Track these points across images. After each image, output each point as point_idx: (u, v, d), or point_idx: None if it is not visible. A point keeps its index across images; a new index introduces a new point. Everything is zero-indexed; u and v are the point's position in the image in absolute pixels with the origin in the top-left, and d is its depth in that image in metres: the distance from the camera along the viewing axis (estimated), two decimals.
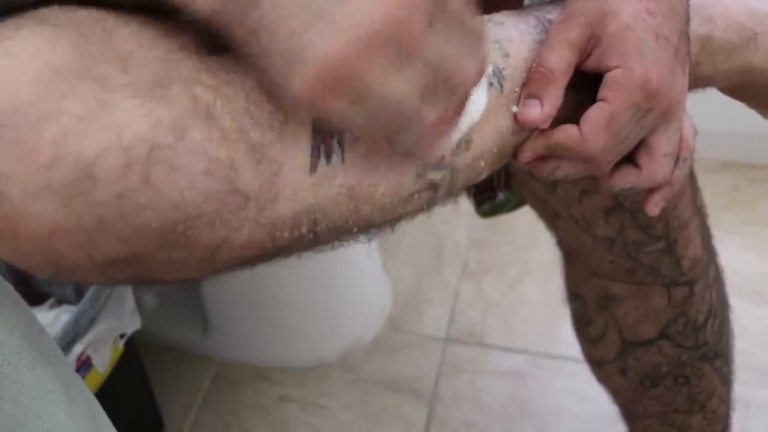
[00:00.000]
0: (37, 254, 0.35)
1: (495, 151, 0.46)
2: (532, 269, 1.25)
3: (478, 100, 0.44)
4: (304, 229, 0.40)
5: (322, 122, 0.38)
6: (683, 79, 0.47)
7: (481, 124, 0.45)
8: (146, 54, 0.36)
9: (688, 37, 0.48)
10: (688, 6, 0.49)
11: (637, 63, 0.45)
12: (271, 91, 0.38)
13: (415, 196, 0.43)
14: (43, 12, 0.36)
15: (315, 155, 0.39)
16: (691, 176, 0.68)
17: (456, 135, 0.43)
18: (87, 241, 0.35)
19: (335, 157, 0.40)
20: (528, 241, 1.25)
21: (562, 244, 0.74)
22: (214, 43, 0.37)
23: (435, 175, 0.44)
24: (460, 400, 1.09)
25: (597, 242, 0.68)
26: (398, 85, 0.36)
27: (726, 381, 0.79)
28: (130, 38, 0.37)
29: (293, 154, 0.39)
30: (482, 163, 0.46)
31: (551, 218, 0.71)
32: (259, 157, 0.38)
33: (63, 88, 0.34)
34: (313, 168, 0.39)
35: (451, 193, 0.46)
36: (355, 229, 0.43)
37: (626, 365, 0.76)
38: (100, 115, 0.34)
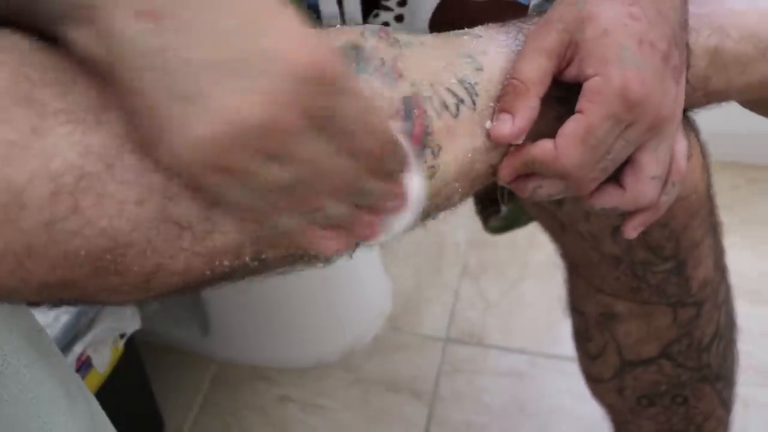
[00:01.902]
0: None
1: (467, 172, 0.44)
2: (531, 269, 1.25)
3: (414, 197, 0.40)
4: (247, 258, 0.39)
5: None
6: (676, 90, 0.44)
7: (451, 145, 0.42)
8: (89, 78, 0.36)
9: (684, 46, 0.45)
10: (684, 13, 0.45)
11: (616, 70, 0.41)
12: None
13: None
14: None
15: None
16: (708, 196, 0.63)
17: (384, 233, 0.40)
18: (18, 266, 0.35)
19: None
20: (527, 242, 1.24)
21: (567, 257, 0.71)
22: None
23: None
24: (460, 400, 1.09)
25: (603, 259, 0.65)
26: (268, 175, 0.34)
27: (725, 404, 0.76)
28: (76, 61, 0.36)
29: (227, 192, 0.37)
30: (453, 186, 0.44)
31: (557, 231, 0.68)
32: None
33: None
34: None
35: (421, 219, 0.43)
36: (306, 258, 0.41)
37: (624, 385, 0.74)
38: (31, 141, 0.34)
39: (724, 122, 0.98)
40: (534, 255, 1.26)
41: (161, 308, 1.14)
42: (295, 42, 0.33)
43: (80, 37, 0.34)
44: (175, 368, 1.15)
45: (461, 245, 1.30)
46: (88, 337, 0.81)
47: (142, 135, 0.35)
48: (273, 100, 0.33)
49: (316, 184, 0.35)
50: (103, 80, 0.35)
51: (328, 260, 0.43)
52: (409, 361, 1.15)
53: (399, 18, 0.57)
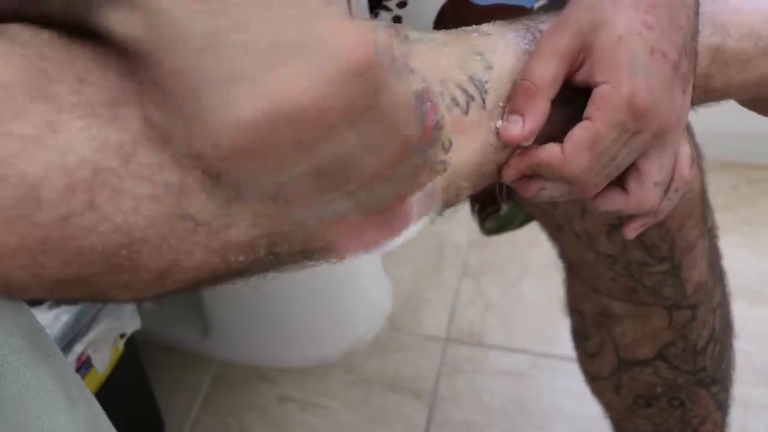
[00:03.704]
0: None
1: (475, 168, 0.44)
2: (531, 269, 1.25)
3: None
4: (262, 252, 0.39)
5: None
6: (683, 100, 0.44)
7: (460, 141, 0.43)
8: (106, 72, 0.36)
9: (693, 55, 0.45)
10: (695, 21, 0.46)
11: (626, 78, 0.42)
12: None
13: None
14: (3, 28, 0.36)
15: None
16: (702, 196, 0.64)
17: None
18: (32, 261, 0.34)
19: None
20: (528, 241, 1.24)
21: (564, 257, 0.72)
22: None
23: None
24: (460, 400, 1.09)
25: (599, 258, 0.65)
26: (298, 164, 0.34)
27: (722, 407, 0.77)
28: (91, 57, 0.36)
29: (255, 180, 0.37)
30: (462, 184, 0.44)
31: (554, 230, 0.69)
32: (214, 182, 0.36)
33: (12, 108, 0.33)
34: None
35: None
36: (319, 254, 0.41)
37: (620, 383, 0.75)
38: (47, 136, 0.33)
39: (724, 122, 0.98)
40: (534, 255, 1.26)
41: (161, 308, 1.14)
42: (352, 34, 0.33)
43: (118, 17, 0.33)
44: (175, 368, 1.15)
45: (461, 245, 1.30)
46: (88, 337, 0.81)
47: (177, 119, 0.34)
48: (322, 88, 0.32)
49: (342, 175, 0.35)
50: (136, 65, 0.35)
51: (341, 257, 0.43)
52: (409, 361, 1.15)
53: (396, 19, 0.57)
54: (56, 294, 0.37)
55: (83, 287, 0.37)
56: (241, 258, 0.39)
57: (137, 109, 0.35)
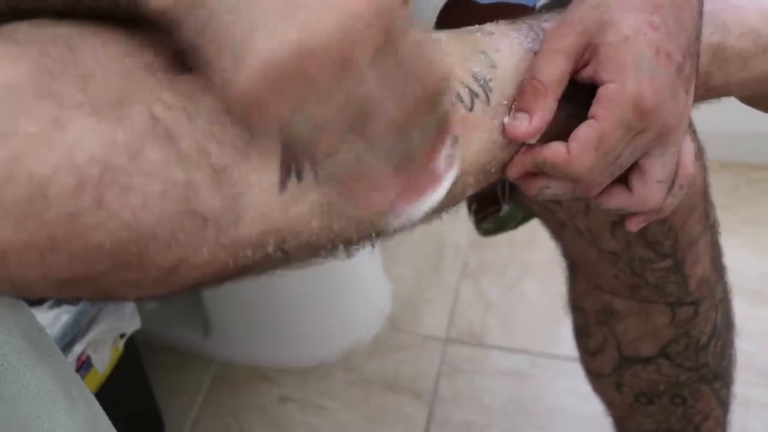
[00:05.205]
0: None
1: (480, 165, 0.44)
2: (531, 269, 1.25)
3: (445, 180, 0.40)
4: (270, 249, 0.39)
5: (266, 129, 0.36)
6: (685, 101, 0.45)
7: (465, 138, 0.43)
8: (108, 72, 0.36)
9: (696, 55, 0.46)
10: (699, 21, 0.46)
11: (632, 78, 0.42)
12: (220, 95, 0.36)
13: None
14: (10, 28, 0.36)
15: (285, 174, 0.38)
16: (705, 192, 0.65)
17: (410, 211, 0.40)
18: (39, 260, 0.35)
19: (307, 175, 0.39)
20: (528, 241, 1.25)
21: (567, 255, 0.72)
22: (181, 62, 0.37)
23: None
24: (460, 400, 1.09)
25: (601, 256, 0.66)
26: (340, 93, 0.34)
27: (723, 403, 0.77)
28: (93, 55, 0.36)
29: (260, 174, 0.38)
30: (468, 179, 0.44)
31: (557, 228, 0.69)
32: (221, 177, 0.37)
33: (18, 107, 0.34)
34: (283, 186, 0.38)
35: (436, 210, 0.44)
36: (330, 246, 0.42)
37: (622, 380, 0.75)
38: (54, 134, 0.34)
39: (724, 122, 0.98)
40: (534, 255, 1.26)
41: (161, 308, 1.14)
42: None
43: None
44: (175, 368, 1.15)
45: (461, 245, 1.30)
46: (88, 337, 0.81)
47: (219, 69, 0.34)
48: (338, 26, 0.33)
49: (365, 118, 0.35)
50: (171, 26, 0.35)
51: (350, 254, 0.43)
52: (409, 361, 1.15)
53: None
54: (63, 293, 0.37)
55: (91, 286, 0.37)
56: (249, 254, 0.39)
57: (142, 106, 0.36)
